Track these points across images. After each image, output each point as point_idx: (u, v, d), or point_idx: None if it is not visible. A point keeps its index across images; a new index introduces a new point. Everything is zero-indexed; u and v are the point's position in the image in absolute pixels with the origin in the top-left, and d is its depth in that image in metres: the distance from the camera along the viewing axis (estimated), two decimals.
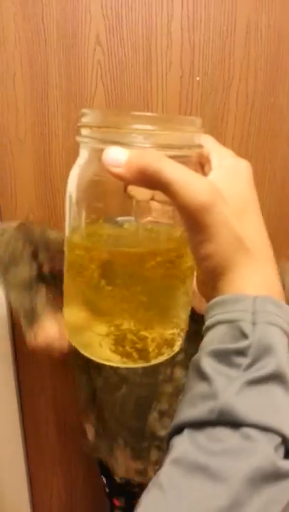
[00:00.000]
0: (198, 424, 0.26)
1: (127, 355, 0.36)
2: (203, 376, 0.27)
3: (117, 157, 0.28)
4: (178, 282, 0.35)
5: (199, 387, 0.27)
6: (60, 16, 0.94)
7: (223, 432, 0.25)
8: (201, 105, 0.99)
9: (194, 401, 0.27)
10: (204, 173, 0.34)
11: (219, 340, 0.28)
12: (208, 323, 0.29)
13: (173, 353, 0.37)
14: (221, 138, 1.01)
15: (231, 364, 0.27)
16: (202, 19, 0.94)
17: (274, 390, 0.26)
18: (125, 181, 0.29)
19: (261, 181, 1.04)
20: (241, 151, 1.02)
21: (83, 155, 0.34)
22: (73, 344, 0.38)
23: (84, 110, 0.33)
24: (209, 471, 0.24)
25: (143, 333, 0.35)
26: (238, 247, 0.29)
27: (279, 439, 0.25)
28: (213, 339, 0.28)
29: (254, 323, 0.27)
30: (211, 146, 0.34)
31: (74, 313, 0.39)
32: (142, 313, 0.35)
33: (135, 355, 0.36)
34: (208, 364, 0.27)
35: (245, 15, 0.93)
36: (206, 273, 0.30)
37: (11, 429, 1.22)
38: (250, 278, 0.29)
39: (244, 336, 0.27)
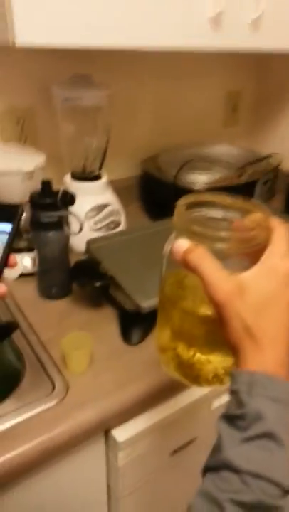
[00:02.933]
0: (214, 468, 0.36)
1: (185, 375, 0.50)
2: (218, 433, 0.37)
3: (178, 249, 0.41)
4: None
5: (216, 441, 0.37)
6: None
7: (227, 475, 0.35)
8: None
9: (212, 452, 0.37)
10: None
11: (228, 406, 0.38)
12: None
13: (221, 387, 0.48)
14: None
15: (234, 426, 0.36)
16: None
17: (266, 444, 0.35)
18: (180, 265, 0.41)
19: None
20: None
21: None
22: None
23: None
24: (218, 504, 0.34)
25: (200, 358, 0.48)
26: (244, 335, 0.37)
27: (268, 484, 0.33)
28: (229, 404, 0.38)
29: (249, 394, 0.36)
30: (274, 238, 0.41)
31: (159, 335, 0.53)
32: (204, 348, 0.48)
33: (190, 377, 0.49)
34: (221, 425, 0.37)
35: None
36: None
37: None
38: (252, 359, 0.37)
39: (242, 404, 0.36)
